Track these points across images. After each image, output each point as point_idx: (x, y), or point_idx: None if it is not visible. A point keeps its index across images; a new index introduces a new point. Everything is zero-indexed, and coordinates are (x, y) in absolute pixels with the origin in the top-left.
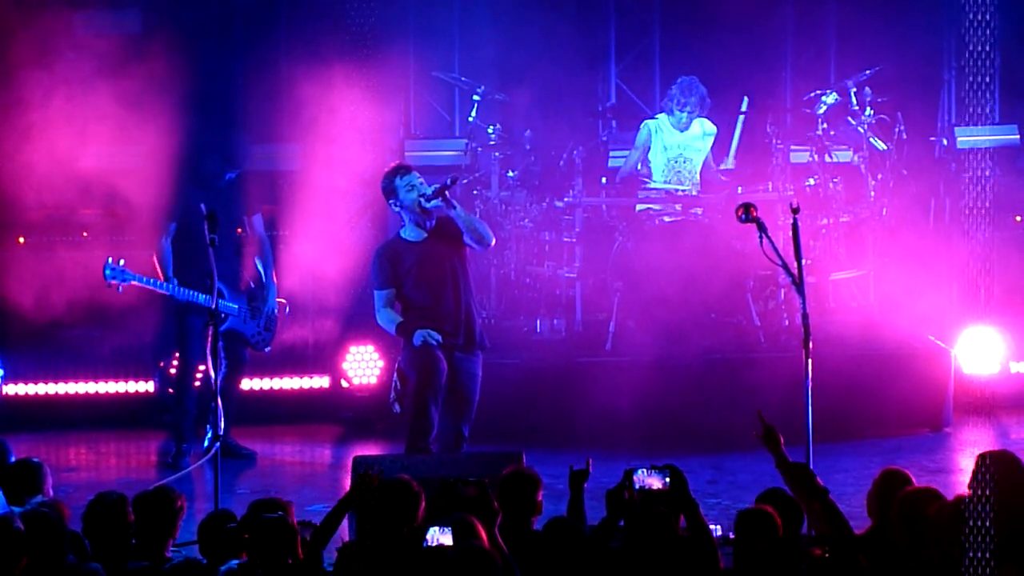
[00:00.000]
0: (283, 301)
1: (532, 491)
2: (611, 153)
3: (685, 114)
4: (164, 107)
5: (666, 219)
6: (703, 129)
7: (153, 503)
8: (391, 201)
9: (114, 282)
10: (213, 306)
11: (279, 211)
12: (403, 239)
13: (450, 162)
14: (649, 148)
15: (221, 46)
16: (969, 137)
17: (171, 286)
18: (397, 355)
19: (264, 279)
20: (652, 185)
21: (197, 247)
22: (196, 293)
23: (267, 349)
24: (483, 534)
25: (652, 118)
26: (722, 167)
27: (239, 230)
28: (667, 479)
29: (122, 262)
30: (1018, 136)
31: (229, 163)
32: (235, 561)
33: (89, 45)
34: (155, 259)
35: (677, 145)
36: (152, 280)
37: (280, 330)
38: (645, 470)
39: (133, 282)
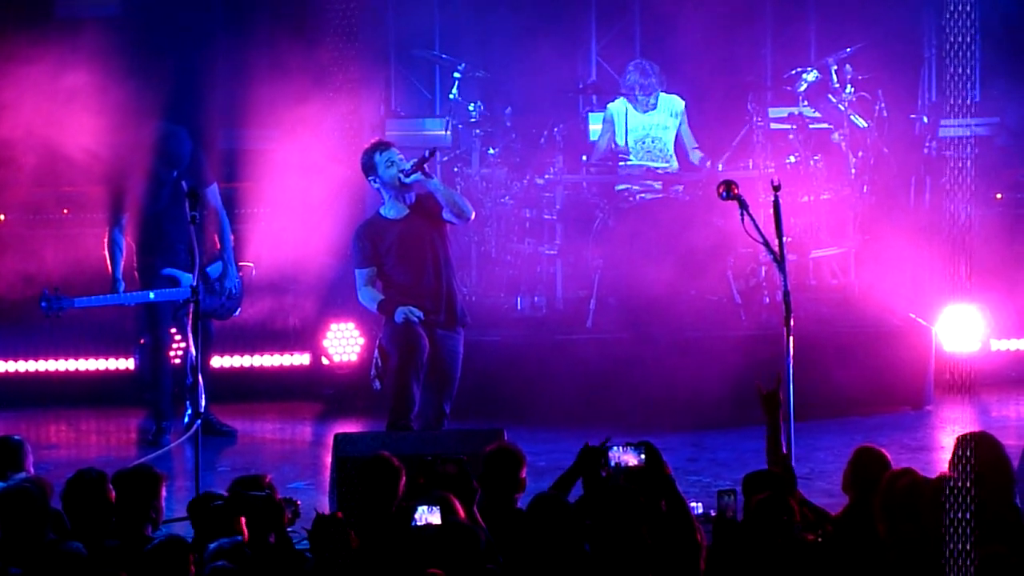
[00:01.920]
0: (249, 264)
1: (516, 468)
2: (591, 129)
3: (642, 96)
4: (141, 87)
5: (647, 196)
6: (671, 107)
7: (133, 481)
8: (371, 178)
9: (52, 314)
10: (194, 283)
11: (251, 188)
12: (383, 217)
13: (431, 140)
14: (614, 131)
15: (200, 26)
16: (951, 127)
17: (118, 293)
18: (378, 332)
19: (224, 254)
20: (632, 162)
21: (163, 231)
22: (146, 293)
23: (236, 313)
24: (461, 512)
25: (614, 100)
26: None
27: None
28: (642, 456)
29: (57, 289)
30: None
31: (172, 163)
32: (225, 539)
33: (68, 26)
34: (105, 251)
35: (642, 126)
36: (94, 298)
37: (250, 302)
38: (620, 447)
39: (74, 307)
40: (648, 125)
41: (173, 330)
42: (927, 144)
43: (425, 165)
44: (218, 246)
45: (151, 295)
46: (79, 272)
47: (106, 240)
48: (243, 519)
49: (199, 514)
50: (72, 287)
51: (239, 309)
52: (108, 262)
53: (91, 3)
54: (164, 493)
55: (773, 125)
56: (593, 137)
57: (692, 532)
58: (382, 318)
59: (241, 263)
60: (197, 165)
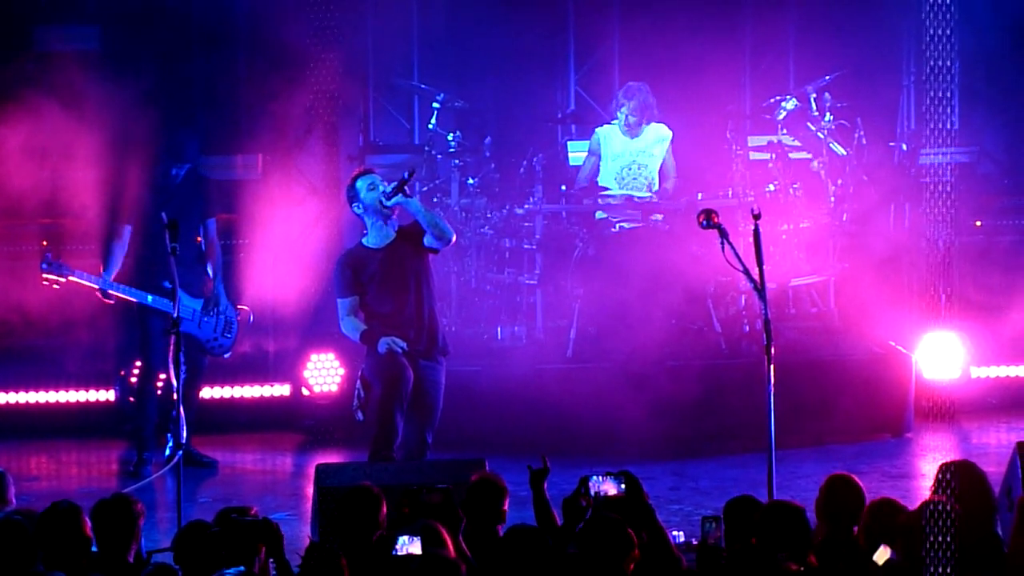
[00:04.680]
0: (246, 308)
1: (498, 500)
2: (570, 147)
3: (632, 119)
4: (122, 119)
5: (626, 226)
6: (657, 135)
7: (112, 511)
8: (354, 205)
9: (50, 276)
10: (175, 315)
11: (238, 220)
12: (365, 246)
13: (409, 164)
14: (600, 156)
15: (179, 58)
16: (931, 156)
17: (106, 279)
18: (359, 363)
19: (214, 285)
20: (612, 192)
21: (157, 253)
22: (130, 289)
23: (226, 355)
24: (448, 541)
25: (603, 125)
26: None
27: (198, 238)
28: (622, 485)
29: (60, 257)
30: (977, 151)
31: (176, 157)
32: (229, 570)
33: (48, 59)
34: (100, 255)
35: (628, 152)
36: (88, 275)
37: (241, 338)
38: (600, 476)
39: (70, 277)
40: (635, 151)
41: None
42: (907, 171)
43: (405, 187)
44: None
45: (149, 298)
46: (59, 305)
47: (102, 246)
48: (263, 546)
49: (190, 544)
50: (51, 321)
51: (230, 351)
52: (101, 262)
53: (69, 36)
54: (142, 522)
55: (752, 154)
56: (574, 163)
57: (672, 561)
58: (364, 348)
59: (239, 306)
60: (201, 190)
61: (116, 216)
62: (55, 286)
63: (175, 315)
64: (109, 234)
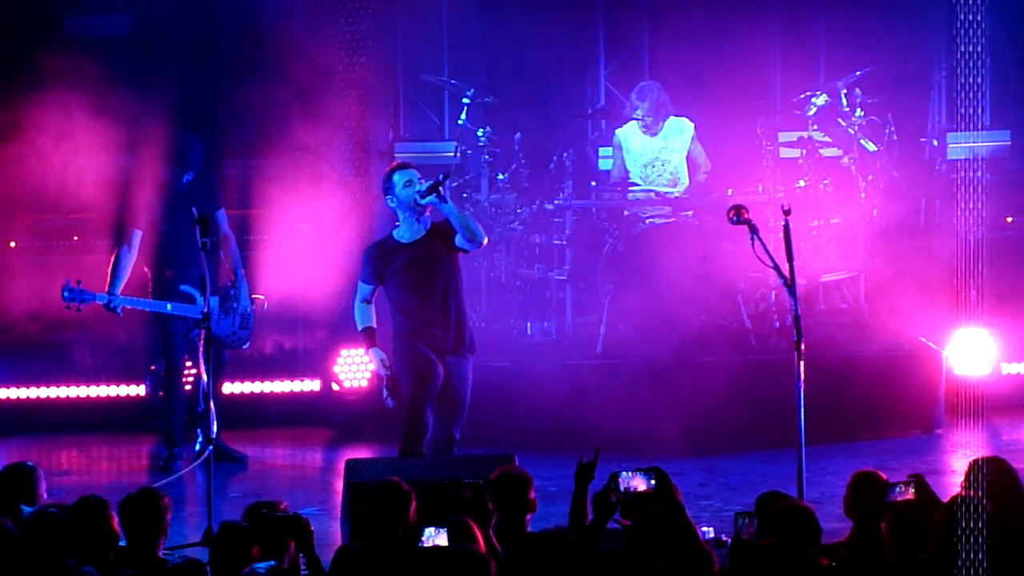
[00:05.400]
0: (261, 297)
1: (523, 490)
2: (600, 155)
3: (650, 118)
4: (149, 112)
5: (656, 221)
6: (677, 129)
7: (139, 506)
8: (388, 197)
9: (73, 304)
10: (205, 309)
11: (262, 215)
12: (395, 239)
13: (440, 163)
14: (623, 156)
15: (208, 50)
16: (960, 144)
17: (116, 298)
18: (386, 350)
19: (235, 278)
20: (642, 188)
21: (178, 249)
22: (147, 301)
23: (245, 346)
24: (479, 536)
25: (622, 126)
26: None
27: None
28: (652, 481)
29: (80, 283)
30: (1009, 140)
31: (183, 166)
32: (260, 564)
33: (77, 48)
34: (109, 267)
35: (650, 149)
36: (102, 296)
37: (260, 328)
38: (630, 472)
39: (94, 301)
40: (656, 147)
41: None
42: (937, 167)
43: (440, 188)
44: (230, 271)
45: (168, 306)
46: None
47: (112, 256)
48: (292, 541)
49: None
50: (82, 316)
51: (249, 342)
52: (108, 276)
53: (99, 22)
54: (169, 516)
55: (782, 150)
56: (603, 167)
57: (702, 557)
58: (390, 337)
59: (253, 295)
60: (211, 184)
61: (126, 221)
62: (78, 309)
63: (205, 309)
64: (117, 238)
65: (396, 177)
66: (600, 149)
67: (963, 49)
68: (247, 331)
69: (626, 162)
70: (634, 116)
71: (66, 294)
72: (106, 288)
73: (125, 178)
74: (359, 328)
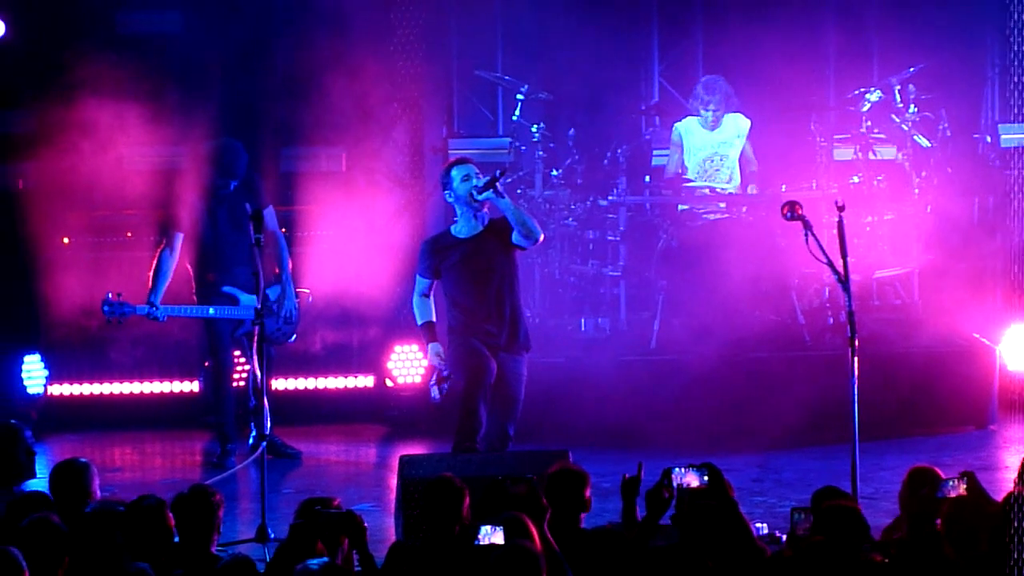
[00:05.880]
0: (306, 291)
1: (580, 487)
2: (654, 151)
3: (711, 113)
4: (201, 109)
5: (711, 217)
6: (736, 126)
7: (190, 503)
8: (446, 192)
9: (114, 318)
10: (258, 305)
11: (316, 211)
12: (452, 235)
13: (494, 160)
14: (682, 150)
15: (261, 46)
16: (1013, 135)
17: (157, 308)
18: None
19: (283, 277)
20: (696, 183)
21: (220, 252)
22: (206, 308)
23: (291, 340)
24: (534, 532)
25: (681, 120)
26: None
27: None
28: (705, 477)
29: (120, 295)
30: None
31: (227, 175)
32: (312, 560)
33: (129, 45)
34: (151, 270)
35: (709, 144)
36: (142, 308)
37: (315, 325)
38: (683, 468)
39: (135, 314)
40: (715, 143)
41: (237, 352)
42: (991, 163)
43: (497, 183)
44: (276, 269)
45: (211, 310)
46: (144, 295)
47: (154, 260)
48: (346, 538)
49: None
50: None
51: (294, 336)
52: (150, 281)
53: (152, 19)
54: (221, 512)
55: (836, 148)
56: (658, 162)
57: (755, 553)
58: (444, 331)
59: (298, 289)
60: (254, 185)
61: (168, 223)
62: (119, 322)
63: (258, 305)
64: (159, 240)
65: (454, 172)
66: (654, 151)
67: (1016, 46)
68: (291, 326)
69: (684, 157)
70: (703, 110)
71: (106, 308)
72: (147, 296)
73: (169, 179)
74: (418, 322)
